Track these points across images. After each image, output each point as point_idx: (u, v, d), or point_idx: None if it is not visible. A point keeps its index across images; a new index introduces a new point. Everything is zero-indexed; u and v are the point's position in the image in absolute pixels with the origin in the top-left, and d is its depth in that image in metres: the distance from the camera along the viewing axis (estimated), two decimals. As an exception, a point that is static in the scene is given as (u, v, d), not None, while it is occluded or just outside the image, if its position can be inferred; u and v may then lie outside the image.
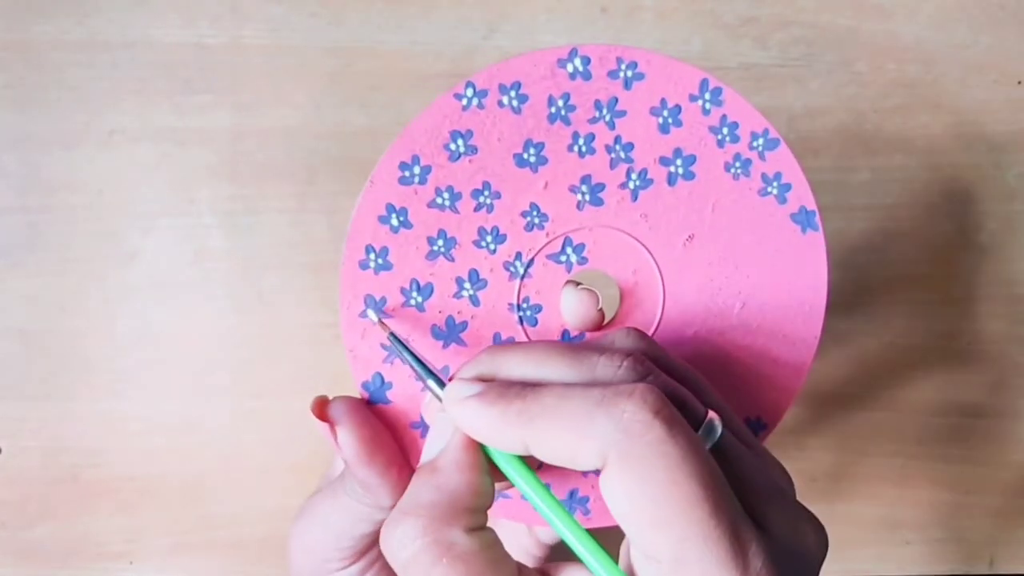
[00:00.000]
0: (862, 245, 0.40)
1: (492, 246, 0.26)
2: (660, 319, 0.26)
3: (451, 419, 0.22)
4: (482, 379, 0.22)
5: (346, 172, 0.38)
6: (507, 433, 0.21)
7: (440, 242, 0.25)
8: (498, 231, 0.26)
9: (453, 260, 0.25)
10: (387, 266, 0.25)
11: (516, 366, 0.22)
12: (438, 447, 0.23)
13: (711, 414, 0.21)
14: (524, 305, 0.26)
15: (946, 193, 0.40)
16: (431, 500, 0.21)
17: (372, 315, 0.25)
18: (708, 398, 0.23)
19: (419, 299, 0.25)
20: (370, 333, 0.25)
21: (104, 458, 0.39)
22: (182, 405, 0.39)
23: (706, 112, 0.26)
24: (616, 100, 0.25)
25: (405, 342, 0.24)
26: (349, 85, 0.38)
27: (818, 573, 0.21)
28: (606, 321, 0.26)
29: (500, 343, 0.25)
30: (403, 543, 0.21)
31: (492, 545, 0.21)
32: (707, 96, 0.26)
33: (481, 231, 0.25)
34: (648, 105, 0.25)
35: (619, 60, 0.25)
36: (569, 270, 0.26)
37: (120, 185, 0.38)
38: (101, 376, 0.39)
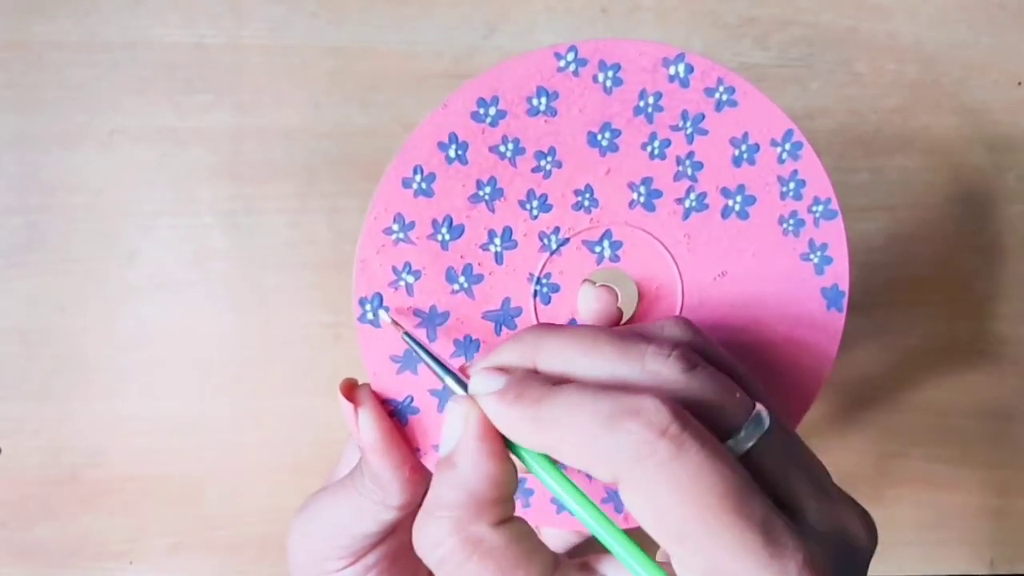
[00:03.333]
0: (862, 246, 0.40)
1: (535, 212, 0.25)
2: None
3: (463, 410, 0.22)
4: (505, 369, 0.22)
5: (346, 172, 0.38)
6: (526, 438, 0.21)
7: (488, 189, 0.25)
8: (546, 199, 0.25)
9: (493, 211, 0.25)
10: (428, 192, 0.25)
11: (560, 349, 0.22)
12: (453, 439, 0.22)
13: (759, 406, 0.21)
14: (544, 280, 0.25)
15: (946, 194, 0.40)
16: (453, 498, 0.21)
17: (385, 315, 0.25)
18: (753, 389, 0.22)
19: (446, 236, 0.25)
20: (386, 251, 0.25)
21: (104, 458, 0.39)
22: (182, 405, 0.39)
23: (781, 161, 0.25)
24: (703, 117, 0.25)
25: (422, 343, 0.24)
26: (349, 85, 0.38)
27: (868, 565, 0.21)
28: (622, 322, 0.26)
29: (546, 324, 0.24)
30: (433, 544, 0.21)
31: (523, 536, 0.21)
32: (787, 146, 0.25)
33: (530, 193, 0.25)
34: (730, 134, 0.25)
35: (720, 80, 0.25)
36: (599, 262, 0.26)
37: (120, 185, 0.38)
38: (101, 376, 0.39)
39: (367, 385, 0.25)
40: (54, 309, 0.38)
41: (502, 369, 0.22)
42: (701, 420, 0.20)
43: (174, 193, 0.38)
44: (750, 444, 0.20)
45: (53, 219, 0.38)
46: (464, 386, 0.23)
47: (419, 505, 0.27)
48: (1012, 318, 0.40)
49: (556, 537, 0.30)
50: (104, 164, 0.38)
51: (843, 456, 0.40)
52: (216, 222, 0.38)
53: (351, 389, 0.25)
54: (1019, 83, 0.39)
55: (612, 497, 0.26)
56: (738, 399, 0.21)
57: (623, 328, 0.23)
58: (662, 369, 0.20)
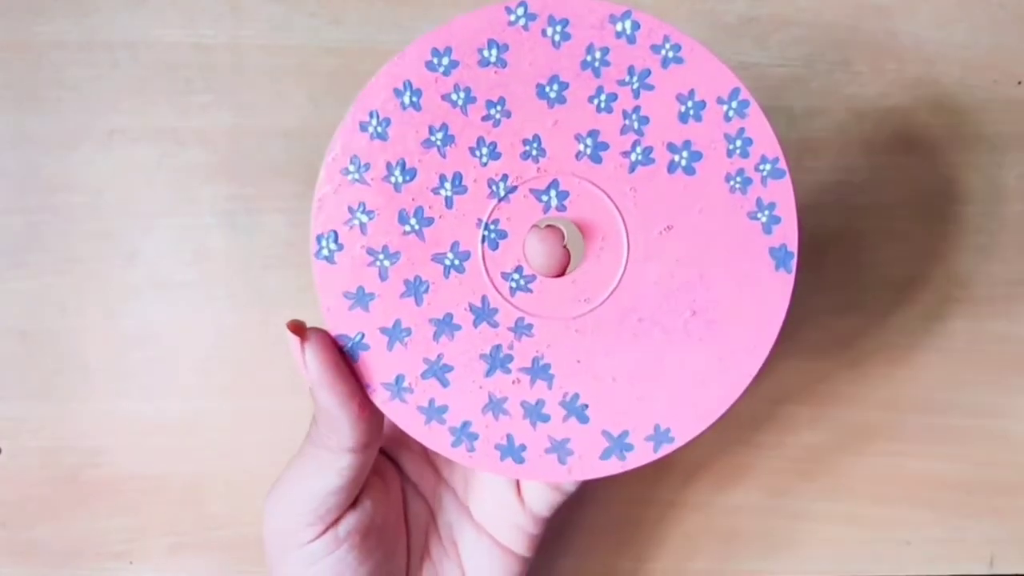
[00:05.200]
0: (861, 245, 0.40)
1: (485, 159, 0.26)
2: (611, 294, 0.26)
3: None
4: None
5: (346, 172, 0.38)
6: None
7: (440, 135, 0.26)
8: (495, 147, 0.26)
9: (444, 157, 0.26)
10: (383, 136, 0.26)
11: None
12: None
13: None
14: (492, 226, 0.26)
15: (946, 193, 0.40)
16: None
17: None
18: None
19: (400, 179, 0.26)
20: (343, 190, 0.26)
21: (104, 458, 0.39)
22: (182, 405, 0.39)
23: (728, 119, 0.26)
24: (649, 72, 0.26)
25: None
26: (349, 85, 0.38)
27: None
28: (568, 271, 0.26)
29: None
30: None
31: None
32: (734, 104, 0.26)
33: (480, 140, 0.26)
34: (676, 90, 0.26)
35: (666, 38, 0.26)
36: (547, 211, 0.26)
37: (120, 185, 0.38)
38: (101, 376, 0.39)
39: (315, 328, 0.26)
40: (54, 309, 0.38)
41: None
42: None
43: (174, 193, 0.38)
44: None
45: (53, 219, 0.38)
46: None
47: (375, 449, 0.27)
48: (1011, 317, 0.40)
49: (538, 494, 0.30)
50: (104, 164, 0.38)
51: (842, 456, 0.40)
52: (216, 222, 0.38)
53: (298, 325, 0.26)
54: (1019, 83, 0.39)
55: (555, 448, 0.27)
56: None
57: None
58: None
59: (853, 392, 0.40)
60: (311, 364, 0.25)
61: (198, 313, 0.39)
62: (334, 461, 0.27)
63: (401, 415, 0.26)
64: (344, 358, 0.26)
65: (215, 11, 0.38)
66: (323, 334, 0.26)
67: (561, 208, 0.26)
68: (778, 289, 0.26)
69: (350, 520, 0.28)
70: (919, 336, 0.40)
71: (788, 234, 0.26)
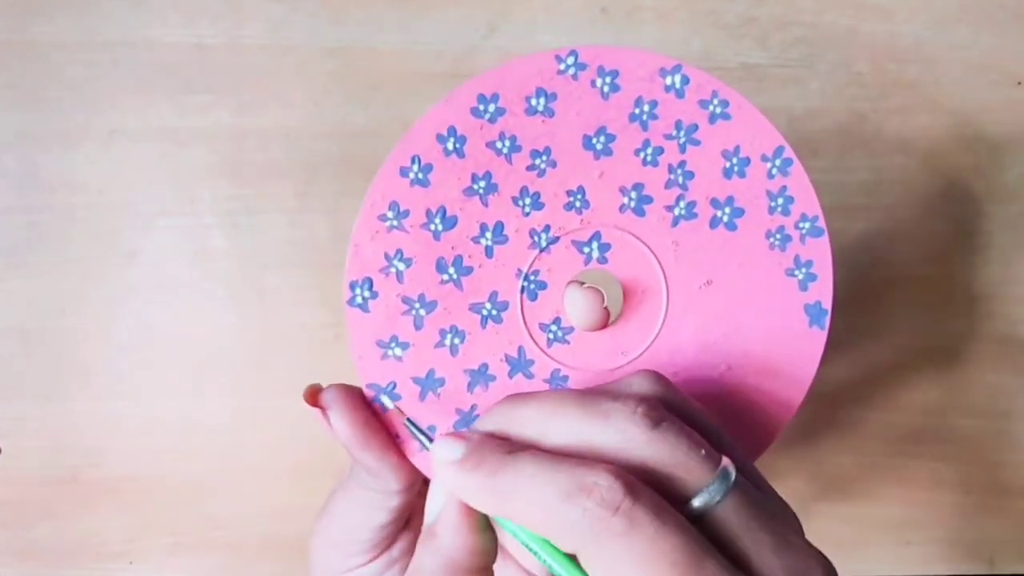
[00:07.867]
0: (862, 246, 0.40)
1: (527, 209, 0.26)
2: (648, 347, 0.26)
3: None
4: (463, 435, 0.22)
5: (346, 172, 0.38)
6: (487, 506, 0.21)
7: (483, 183, 0.25)
8: (539, 197, 0.26)
9: (487, 205, 0.25)
10: (425, 182, 0.25)
11: (529, 416, 0.22)
12: (436, 508, 0.23)
13: (724, 461, 0.21)
14: (532, 276, 0.26)
15: (946, 194, 0.40)
16: (431, 566, 0.22)
17: (387, 401, 0.25)
18: (722, 441, 0.23)
19: (439, 227, 0.25)
20: (380, 237, 0.25)
21: (104, 458, 0.39)
22: (182, 405, 0.39)
23: (771, 176, 0.26)
24: (696, 127, 0.26)
25: (419, 426, 0.25)
26: (349, 85, 0.38)
27: None
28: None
29: (518, 394, 0.24)
30: None
31: None
32: (777, 162, 0.26)
33: (524, 190, 0.25)
34: (722, 146, 0.26)
35: (714, 93, 0.25)
36: (587, 263, 0.26)
37: (120, 185, 0.38)
38: (101, 376, 0.39)
39: (332, 386, 0.25)
40: (54, 309, 0.38)
41: (462, 435, 0.22)
42: (665, 479, 0.20)
43: (174, 193, 0.38)
44: (716, 501, 0.20)
45: (53, 219, 0.38)
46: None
47: (422, 483, 0.27)
48: (1011, 318, 0.40)
49: None
50: (104, 164, 0.38)
51: (843, 456, 0.40)
52: (216, 222, 0.38)
53: (314, 396, 0.25)
54: (1019, 83, 0.39)
55: None
56: (703, 456, 0.21)
57: (591, 388, 0.23)
58: (628, 427, 0.21)
59: (854, 393, 0.40)
60: (339, 429, 0.25)
61: (198, 313, 0.39)
62: (383, 502, 0.27)
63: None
64: (371, 410, 0.25)
65: (215, 11, 0.38)
66: (341, 393, 0.25)
67: (602, 260, 0.26)
68: (811, 345, 0.26)
69: (403, 543, 0.28)
70: (919, 336, 0.40)
71: (823, 292, 0.26)
